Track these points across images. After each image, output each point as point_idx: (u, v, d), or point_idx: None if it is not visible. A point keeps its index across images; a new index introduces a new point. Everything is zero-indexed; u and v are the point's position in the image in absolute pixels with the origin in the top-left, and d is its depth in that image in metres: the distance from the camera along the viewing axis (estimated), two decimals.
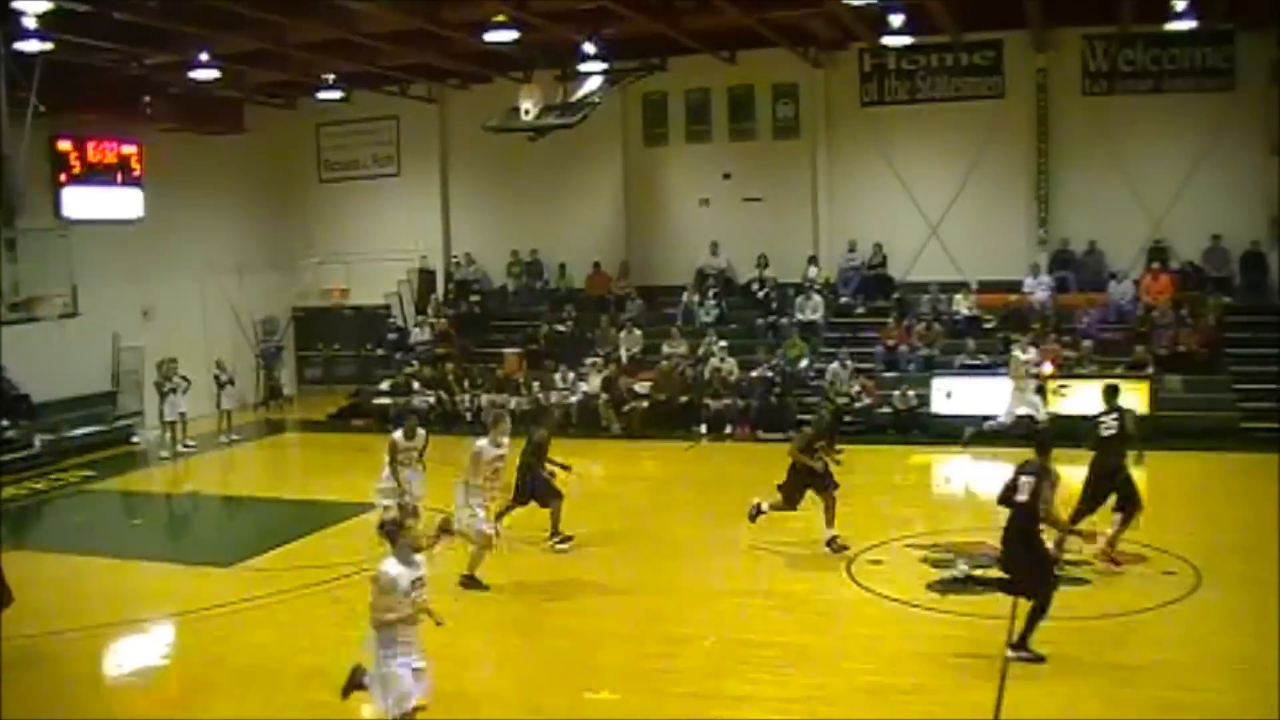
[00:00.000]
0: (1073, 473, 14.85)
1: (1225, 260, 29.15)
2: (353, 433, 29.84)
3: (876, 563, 16.28)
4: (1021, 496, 12.36)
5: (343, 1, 23.69)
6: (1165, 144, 29.43)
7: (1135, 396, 25.28)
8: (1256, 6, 26.49)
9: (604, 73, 28.92)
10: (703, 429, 27.85)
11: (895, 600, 14.62)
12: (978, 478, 23.62)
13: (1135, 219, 29.47)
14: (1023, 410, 24.77)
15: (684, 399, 28.47)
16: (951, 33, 28.91)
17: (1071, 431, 24.65)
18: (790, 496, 17.06)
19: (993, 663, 12.26)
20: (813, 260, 31.46)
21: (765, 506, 17.29)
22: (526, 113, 28.22)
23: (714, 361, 28.86)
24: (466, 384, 30.48)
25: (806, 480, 16.95)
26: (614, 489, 23.28)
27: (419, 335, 33.33)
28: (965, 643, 13.03)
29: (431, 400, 30.15)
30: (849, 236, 31.55)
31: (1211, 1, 25.25)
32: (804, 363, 28.91)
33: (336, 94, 31.41)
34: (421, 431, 17.89)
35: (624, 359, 30.28)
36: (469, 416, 29.37)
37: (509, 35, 24.75)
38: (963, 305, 29.66)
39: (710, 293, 31.64)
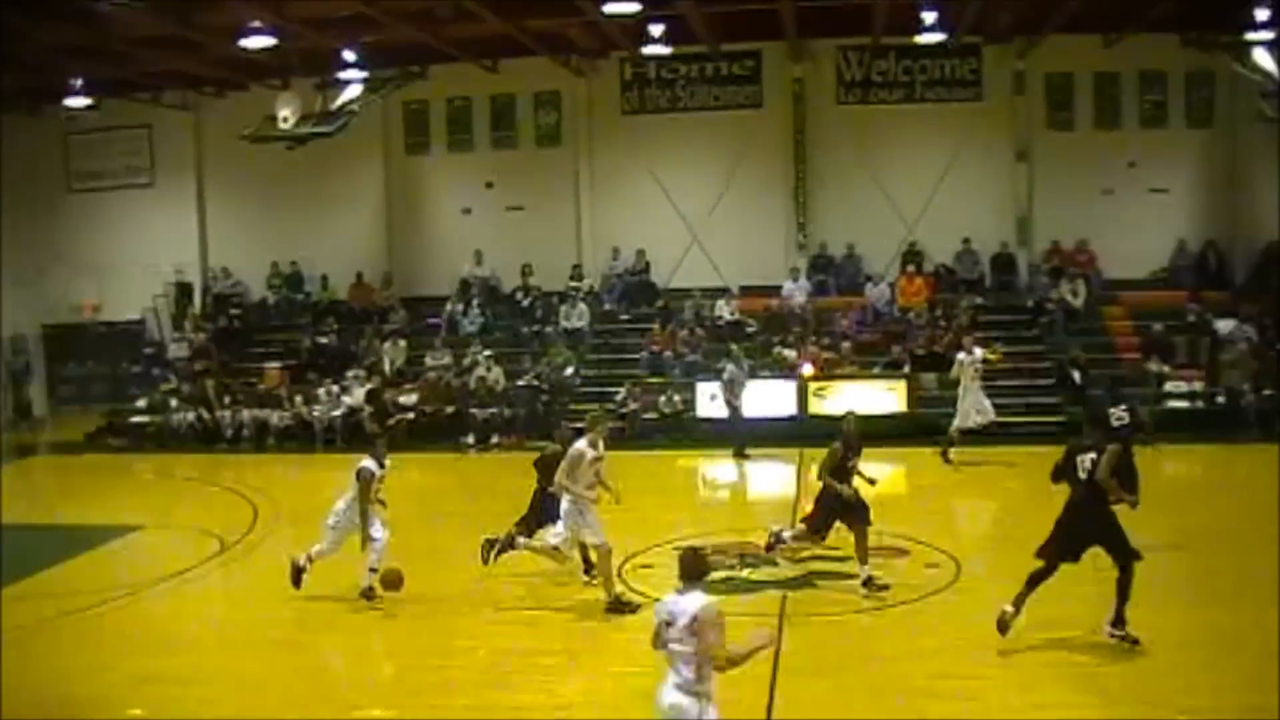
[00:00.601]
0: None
1: (976, 262, 30.41)
2: (110, 453, 28.90)
3: (647, 567, 16.32)
4: (1085, 474, 12.73)
5: (92, 4, 22.93)
6: (917, 151, 30.62)
7: (893, 395, 26.16)
8: (1001, 21, 27.64)
9: (363, 81, 28.59)
10: (470, 439, 27.68)
11: None
12: (743, 480, 24.01)
13: (890, 224, 30.47)
14: (971, 410, 24.10)
15: (450, 410, 28.27)
16: (710, 43, 29.36)
17: (834, 432, 25.47)
18: (818, 527, 15.31)
19: (764, 660, 12.42)
20: (577, 268, 31.60)
21: (787, 536, 15.82)
22: (285, 121, 27.72)
23: (479, 371, 28.74)
24: (227, 400, 29.72)
25: (838, 509, 15.05)
26: None
27: (176, 351, 32.41)
28: (736, 642, 13.16)
29: (191, 417, 29.40)
30: (612, 244, 31.81)
31: (959, 16, 26.20)
32: (569, 370, 29.02)
33: (85, 101, 30.26)
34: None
35: (388, 371, 29.93)
36: (230, 433, 28.79)
37: (265, 42, 24.28)
38: (725, 310, 30.10)
39: (474, 302, 31.48)
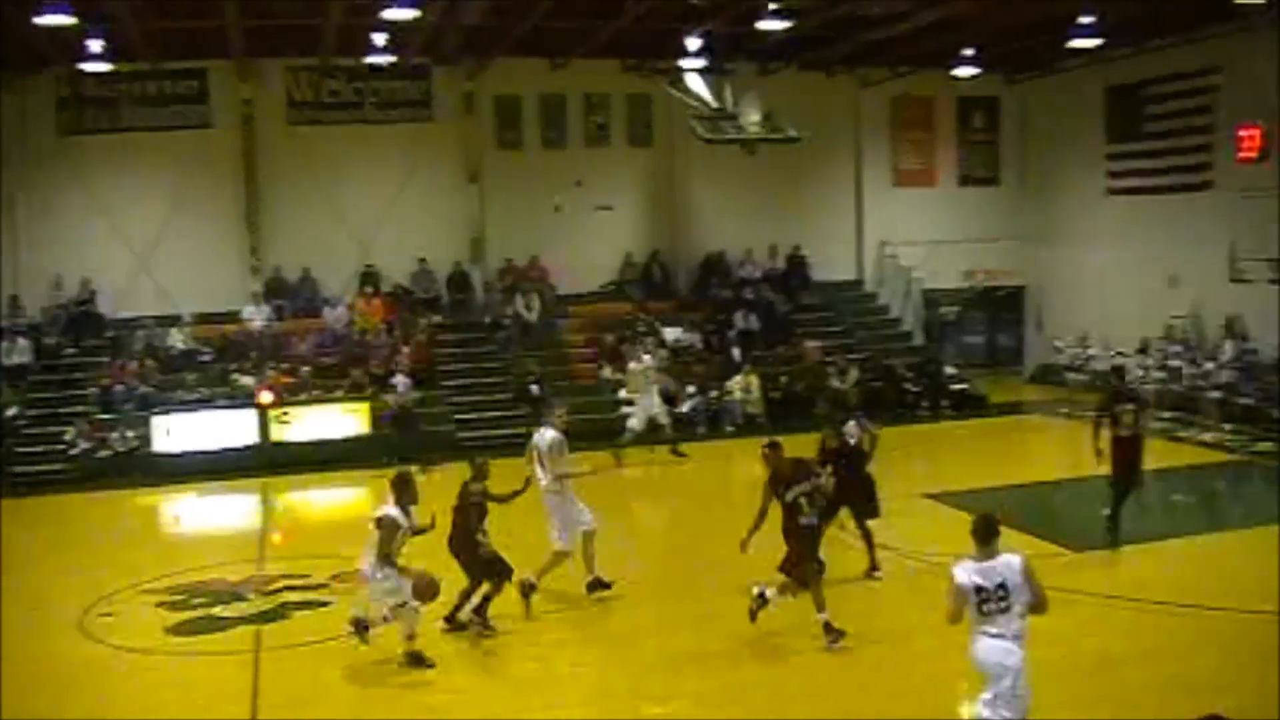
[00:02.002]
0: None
1: (433, 281, 30.97)
2: None
3: (108, 615, 15.41)
4: (853, 439, 15.06)
5: None
6: (371, 173, 30.75)
7: (357, 418, 26.11)
8: (449, 43, 28.11)
9: None
10: None
11: (135, 650, 13.92)
12: (208, 515, 23.24)
13: (346, 245, 30.46)
14: (649, 413, 25.21)
15: None
16: (151, 60, 28.24)
17: (304, 457, 25.26)
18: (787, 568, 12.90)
19: (242, 695, 12.08)
20: (14, 300, 29.57)
21: (770, 594, 13.04)
22: None
23: None
24: None
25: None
26: None
27: None
28: (213, 682, 12.78)
29: None
30: (53, 273, 29.89)
31: (407, 37, 26.41)
32: (12, 411, 27.10)
33: None
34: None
35: None
36: None
37: None
38: (178, 339, 29.04)
39: None
